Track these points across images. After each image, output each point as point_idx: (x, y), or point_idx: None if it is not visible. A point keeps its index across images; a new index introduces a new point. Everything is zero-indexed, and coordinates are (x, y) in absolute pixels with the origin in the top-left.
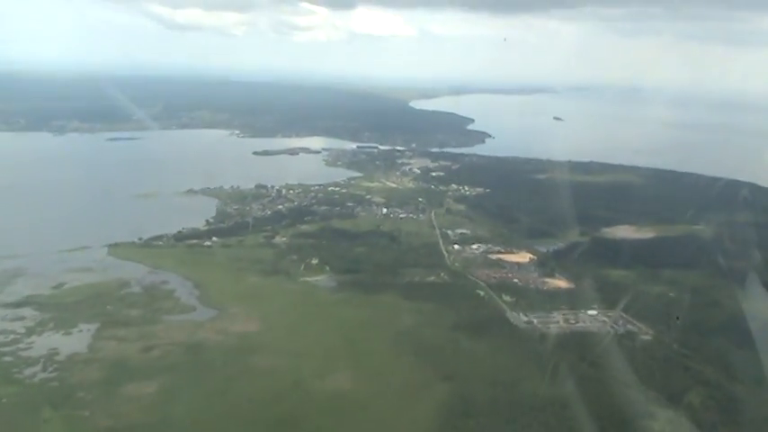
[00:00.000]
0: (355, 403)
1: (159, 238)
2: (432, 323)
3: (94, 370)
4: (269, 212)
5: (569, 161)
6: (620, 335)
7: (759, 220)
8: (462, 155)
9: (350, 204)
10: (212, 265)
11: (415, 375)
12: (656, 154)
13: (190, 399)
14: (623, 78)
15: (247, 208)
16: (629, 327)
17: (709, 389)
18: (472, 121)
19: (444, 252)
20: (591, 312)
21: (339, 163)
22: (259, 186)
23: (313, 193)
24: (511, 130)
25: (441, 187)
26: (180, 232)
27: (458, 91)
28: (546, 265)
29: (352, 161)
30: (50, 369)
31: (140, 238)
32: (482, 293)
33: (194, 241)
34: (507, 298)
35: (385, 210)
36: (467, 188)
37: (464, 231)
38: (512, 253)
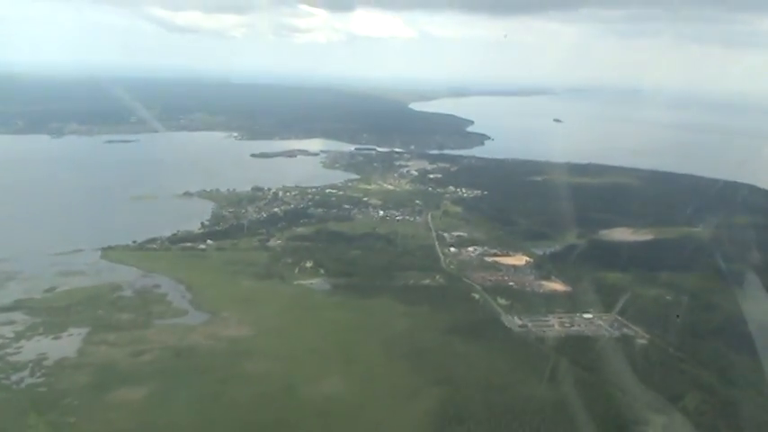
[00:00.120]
0: (346, 408)
1: (153, 240)
2: (425, 327)
3: (83, 375)
4: (264, 215)
5: (568, 163)
6: (616, 338)
7: (757, 222)
8: (461, 157)
9: (346, 207)
10: (206, 268)
11: (407, 380)
12: (654, 155)
13: (178, 404)
14: (623, 80)
15: (243, 210)
16: (625, 330)
17: (704, 393)
18: (471, 122)
19: (440, 255)
20: (586, 316)
21: (337, 165)
22: (255, 189)
23: (310, 196)
24: (510, 132)
25: (438, 189)
26: (174, 235)
27: (457, 93)
28: (542, 267)
29: (349, 163)
30: (38, 374)
31: (134, 241)
32: (477, 296)
33: (189, 244)
34: (502, 301)
35: (381, 212)
36: (464, 190)
37: (461, 234)
38: (508, 255)
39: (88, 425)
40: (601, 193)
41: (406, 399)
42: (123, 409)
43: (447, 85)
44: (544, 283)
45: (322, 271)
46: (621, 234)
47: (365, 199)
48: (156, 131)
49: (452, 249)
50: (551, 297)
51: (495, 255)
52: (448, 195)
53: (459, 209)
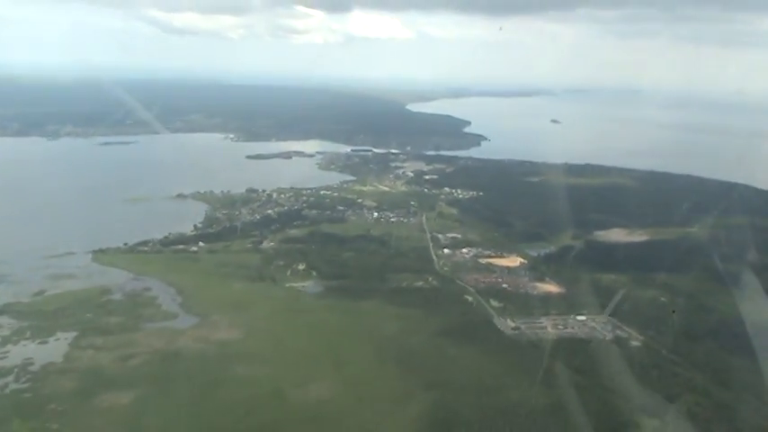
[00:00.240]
0: (335, 413)
1: (145, 243)
2: (417, 330)
3: (69, 380)
4: (258, 217)
5: (565, 164)
6: (609, 340)
7: (754, 223)
8: (457, 158)
9: (341, 208)
10: (197, 270)
11: (397, 384)
12: (652, 156)
13: (164, 410)
14: (621, 80)
15: (236, 212)
16: (619, 332)
17: (697, 395)
18: (469, 123)
19: (434, 256)
20: (580, 318)
21: (332, 166)
22: (250, 190)
23: (304, 197)
24: (507, 133)
25: (433, 190)
26: (166, 237)
27: (455, 94)
28: (536, 269)
29: (345, 164)
30: (23, 379)
31: (126, 244)
32: (470, 299)
33: (181, 246)
34: (495, 303)
35: (376, 213)
36: (460, 191)
37: (455, 235)
38: (502, 257)
39: (72, 431)
40: (597, 194)
41: (396, 403)
42: (108, 415)
43: (445, 86)
44: (538, 284)
45: (314, 273)
46: (617, 235)
47: (360, 200)
48: (153, 133)
49: (446, 251)
50: (545, 299)
51: (490, 256)
52: (443, 196)
53: (454, 210)
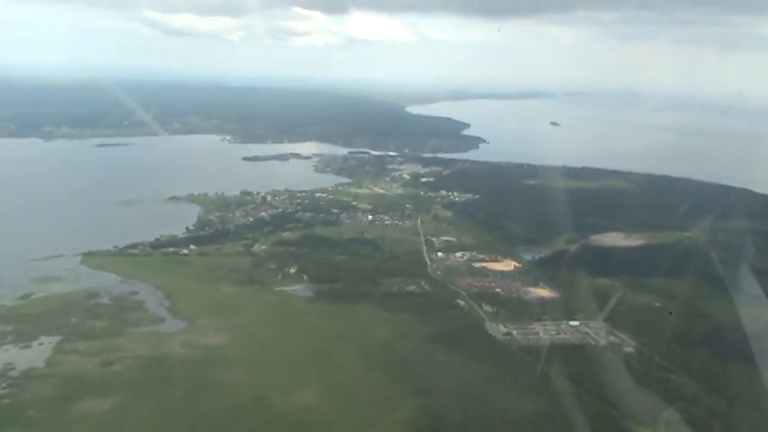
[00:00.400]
0: (319, 420)
1: (135, 246)
2: (407, 335)
3: (50, 386)
4: (251, 219)
5: (563, 166)
6: (602, 346)
7: (752, 227)
8: (454, 160)
9: (335, 211)
10: (187, 274)
11: (384, 390)
12: (650, 159)
13: (145, 417)
14: (621, 83)
15: (230, 215)
16: (612, 338)
17: (688, 404)
18: (468, 126)
19: (427, 260)
20: (573, 323)
21: (328, 169)
22: (244, 193)
23: (299, 200)
24: (506, 136)
25: (429, 193)
26: (157, 240)
27: (455, 96)
28: (530, 273)
29: (341, 167)
30: (3, 385)
31: (115, 247)
32: (462, 303)
33: (171, 249)
34: (488, 308)
35: (370, 216)
36: (456, 194)
37: (449, 239)
38: (496, 261)
39: None
40: (594, 197)
41: (381, 410)
42: (87, 422)
43: (445, 89)
44: (531, 289)
45: (305, 277)
46: (613, 239)
47: (354, 203)
48: (149, 135)
49: (440, 254)
50: (538, 304)
51: (484, 260)
52: (439, 199)
53: (449, 213)
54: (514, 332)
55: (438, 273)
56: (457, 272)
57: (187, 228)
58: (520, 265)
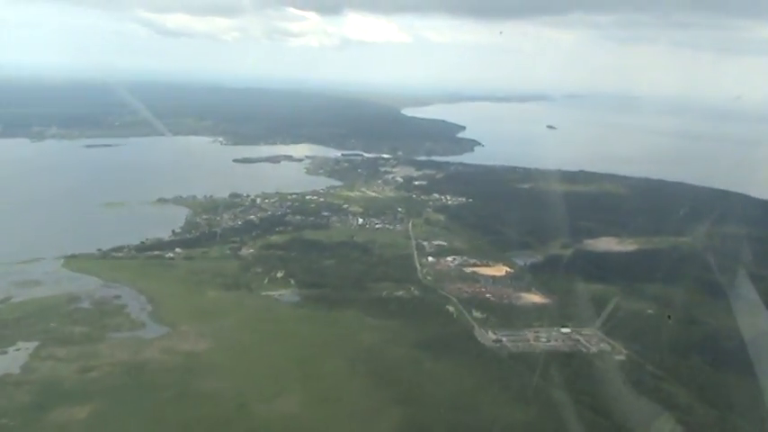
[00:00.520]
0: (301, 429)
1: (120, 249)
2: (394, 341)
3: (24, 393)
4: (240, 222)
5: (558, 170)
6: (593, 354)
7: (748, 233)
8: (448, 163)
9: (325, 214)
10: (171, 278)
11: (368, 399)
12: (647, 163)
13: (122, 425)
14: (619, 86)
15: (218, 218)
16: (603, 345)
17: (680, 413)
18: (463, 128)
19: (417, 265)
20: (564, 330)
21: (320, 171)
22: (233, 195)
23: (289, 203)
24: (502, 138)
25: (422, 197)
26: (143, 243)
27: (452, 98)
28: (522, 278)
29: (333, 169)
30: None
31: (99, 250)
32: (452, 309)
33: (156, 253)
34: (478, 314)
35: (361, 220)
36: (449, 197)
37: (441, 243)
38: (488, 266)
39: None
40: (589, 202)
41: (365, 419)
42: (63, 431)
43: (441, 91)
44: (523, 295)
45: (292, 281)
46: (607, 244)
47: (345, 206)
48: (140, 136)
49: (431, 259)
50: (529, 310)
51: (475, 265)
52: (431, 203)
53: (441, 217)
54: (504, 339)
55: (428, 278)
56: (447, 277)
57: (173, 231)
58: (512, 270)
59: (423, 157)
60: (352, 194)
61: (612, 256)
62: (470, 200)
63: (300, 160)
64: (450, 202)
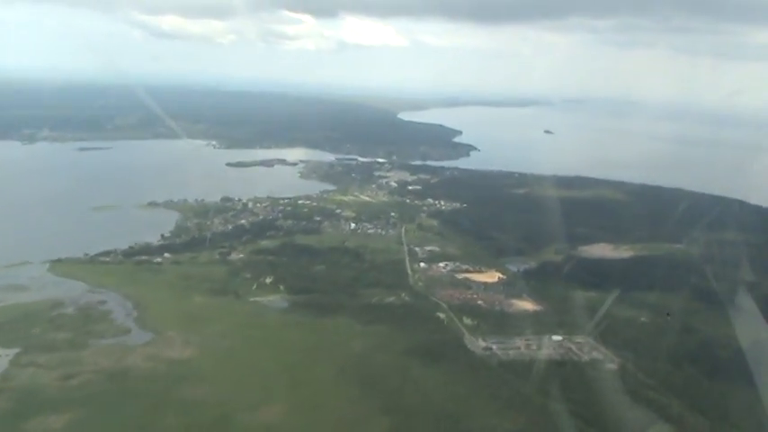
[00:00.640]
0: None
1: (107, 253)
2: (383, 349)
3: (2, 401)
4: (230, 227)
5: (554, 175)
6: (585, 363)
7: (745, 239)
8: (443, 168)
9: (317, 219)
10: (159, 283)
11: (355, 407)
12: (644, 168)
13: None
14: (617, 90)
15: (208, 222)
16: (595, 354)
17: (672, 424)
18: (460, 133)
19: (409, 271)
20: (555, 338)
21: (314, 175)
22: (225, 199)
23: (281, 207)
24: (499, 143)
25: (416, 201)
26: (131, 248)
27: (450, 102)
28: (515, 285)
29: (327, 173)
30: None
31: (86, 254)
32: (442, 316)
33: (144, 257)
34: (468, 321)
35: (353, 225)
36: (443, 203)
37: (433, 249)
38: (480, 272)
39: None
40: (584, 208)
41: (350, 428)
42: None
43: (439, 95)
44: (515, 301)
45: (281, 287)
46: (601, 250)
47: (338, 211)
48: (133, 139)
49: (423, 265)
50: (521, 317)
51: (467, 271)
52: (425, 208)
53: (435, 222)
54: (494, 347)
55: (419, 284)
56: (439, 283)
57: (162, 235)
58: (504, 277)
59: (418, 162)
60: (345, 199)
61: (607, 263)
62: (465, 205)
63: (295, 164)
64: (444, 208)
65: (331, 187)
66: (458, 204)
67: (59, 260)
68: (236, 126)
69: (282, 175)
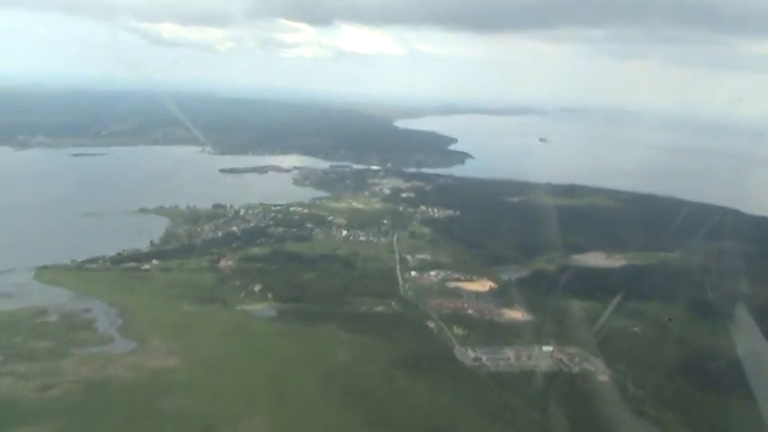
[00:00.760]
0: None
1: (95, 260)
2: (370, 359)
3: None
4: (220, 234)
5: (548, 183)
6: (575, 374)
7: (739, 249)
8: (438, 175)
9: (308, 226)
10: (145, 290)
11: (340, 419)
12: (638, 177)
13: None
14: (613, 100)
15: (198, 229)
16: (586, 365)
17: None
18: (455, 141)
19: (400, 279)
20: (546, 348)
21: (307, 182)
22: (216, 206)
23: (272, 214)
24: (493, 151)
25: (409, 209)
26: (119, 254)
27: (446, 111)
28: (506, 294)
29: (321, 180)
30: None
31: (73, 261)
32: (432, 325)
33: (132, 264)
34: (458, 331)
35: (345, 232)
36: (436, 210)
37: (425, 257)
38: (471, 281)
39: None
40: (578, 216)
41: None
42: None
43: (435, 103)
44: (506, 311)
45: (270, 295)
46: (595, 259)
47: (330, 218)
48: (127, 145)
49: (414, 273)
50: (512, 327)
51: (458, 280)
52: (418, 215)
53: (427, 230)
54: (484, 357)
55: (410, 292)
56: (429, 292)
57: (152, 242)
58: (496, 286)
59: (412, 169)
60: (337, 206)
61: (600, 272)
62: (458, 213)
63: (288, 171)
64: (437, 215)
65: (324, 194)
66: (451, 212)
67: (46, 267)
68: (231, 132)
69: (276, 181)
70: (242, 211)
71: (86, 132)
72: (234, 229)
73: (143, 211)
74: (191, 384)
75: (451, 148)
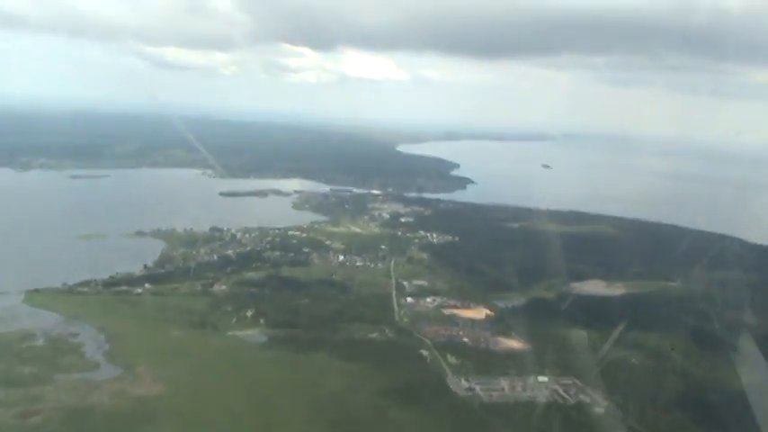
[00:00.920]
0: None
1: (86, 283)
2: (361, 388)
3: None
4: (216, 257)
5: (549, 210)
6: (570, 406)
7: (740, 278)
8: (438, 201)
9: (305, 250)
10: (135, 315)
11: None
12: (641, 204)
13: None
14: (617, 127)
15: (194, 252)
16: (582, 396)
17: None
18: (457, 166)
19: (395, 305)
20: (542, 379)
21: (307, 206)
22: (214, 229)
23: (269, 238)
24: (495, 177)
25: (407, 234)
26: (111, 278)
27: (449, 136)
28: (503, 322)
29: (321, 204)
30: None
31: (65, 284)
32: (426, 353)
33: (124, 288)
34: (453, 359)
35: (342, 257)
36: (435, 235)
37: (421, 283)
38: (468, 308)
39: None
40: (579, 243)
41: None
42: None
43: (438, 128)
44: (502, 339)
45: (262, 321)
46: (594, 287)
47: (328, 242)
48: (128, 167)
49: (409, 299)
50: (507, 356)
51: (455, 306)
52: (417, 240)
53: (425, 255)
54: (477, 388)
55: (405, 319)
56: (425, 319)
57: (145, 265)
58: (493, 313)
59: (413, 194)
60: (336, 230)
61: (599, 301)
62: (457, 238)
63: (288, 194)
64: (435, 240)
65: (323, 218)
66: (450, 237)
67: (36, 290)
68: (233, 155)
69: (275, 205)
70: (239, 235)
71: (88, 154)
72: (229, 252)
73: (139, 233)
74: (176, 413)
75: (454, 173)
